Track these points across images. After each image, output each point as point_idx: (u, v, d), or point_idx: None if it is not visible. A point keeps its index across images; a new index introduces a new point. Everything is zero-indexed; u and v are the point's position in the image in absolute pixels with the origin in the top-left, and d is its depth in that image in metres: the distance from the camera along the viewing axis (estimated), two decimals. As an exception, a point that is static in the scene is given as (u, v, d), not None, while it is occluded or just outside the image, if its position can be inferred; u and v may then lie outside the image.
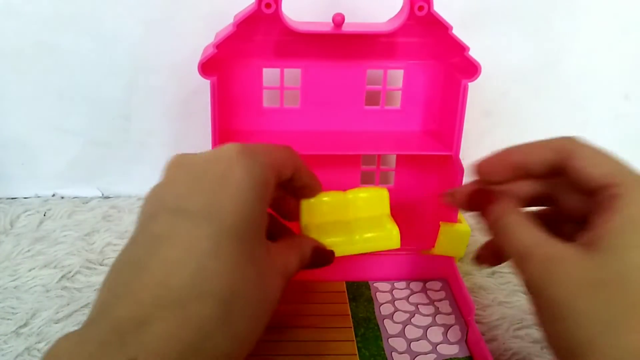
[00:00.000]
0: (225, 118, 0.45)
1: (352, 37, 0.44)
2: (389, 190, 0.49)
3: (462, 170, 0.44)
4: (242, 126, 0.47)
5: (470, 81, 0.42)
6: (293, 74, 0.46)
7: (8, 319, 0.40)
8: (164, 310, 0.24)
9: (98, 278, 0.45)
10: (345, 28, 0.41)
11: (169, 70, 0.51)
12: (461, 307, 0.41)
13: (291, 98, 0.47)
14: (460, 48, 0.41)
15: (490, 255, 0.35)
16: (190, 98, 0.52)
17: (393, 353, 0.37)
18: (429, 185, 0.50)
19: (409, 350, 0.38)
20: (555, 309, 0.26)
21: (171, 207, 0.28)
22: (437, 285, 0.45)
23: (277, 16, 0.39)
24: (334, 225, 0.41)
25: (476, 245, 0.49)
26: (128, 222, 0.52)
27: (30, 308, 0.41)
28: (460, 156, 0.44)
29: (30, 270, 0.45)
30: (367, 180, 0.50)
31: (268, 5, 0.39)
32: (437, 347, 0.38)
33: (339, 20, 0.41)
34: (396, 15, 0.43)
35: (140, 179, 0.56)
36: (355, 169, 0.49)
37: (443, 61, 0.45)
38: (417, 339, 0.39)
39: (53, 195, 0.56)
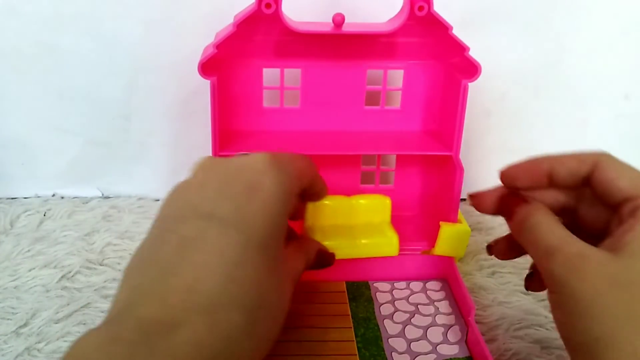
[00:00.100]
0: (225, 118, 0.45)
1: (352, 37, 0.44)
2: (389, 190, 0.49)
3: (462, 170, 0.44)
4: (242, 126, 0.47)
5: (470, 81, 0.42)
6: (293, 74, 0.46)
7: (8, 319, 0.40)
8: (193, 315, 0.24)
9: (98, 278, 0.45)
10: (346, 28, 0.41)
11: (169, 70, 0.51)
12: (461, 307, 0.41)
13: (291, 98, 0.47)
14: (460, 48, 0.41)
15: (505, 249, 0.36)
16: (190, 98, 0.52)
17: (393, 353, 0.37)
18: (429, 185, 0.50)
19: (409, 351, 0.38)
20: (578, 303, 0.27)
21: (201, 211, 0.28)
22: (437, 285, 0.44)
23: (277, 16, 0.39)
24: (336, 229, 0.44)
25: (476, 245, 0.49)
26: (128, 222, 0.52)
27: (30, 308, 0.41)
28: (460, 156, 0.44)
29: (30, 270, 0.45)
30: (367, 180, 0.50)
31: (268, 6, 0.39)
32: (437, 347, 0.38)
33: (339, 20, 0.41)
34: (396, 16, 0.43)
35: (140, 179, 0.56)
36: (355, 169, 0.49)
37: (443, 61, 0.45)
38: (417, 339, 0.39)
39: (53, 195, 0.56)
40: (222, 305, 0.25)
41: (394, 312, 0.41)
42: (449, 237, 0.44)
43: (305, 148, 0.44)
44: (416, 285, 0.44)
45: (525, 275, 0.37)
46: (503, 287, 0.45)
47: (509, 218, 0.34)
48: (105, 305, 0.42)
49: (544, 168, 0.33)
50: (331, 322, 0.40)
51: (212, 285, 0.25)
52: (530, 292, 0.38)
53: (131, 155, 0.55)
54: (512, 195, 0.34)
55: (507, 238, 0.37)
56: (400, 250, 0.45)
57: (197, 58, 0.40)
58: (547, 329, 0.40)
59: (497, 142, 0.57)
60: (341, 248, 0.41)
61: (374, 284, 0.44)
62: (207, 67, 0.40)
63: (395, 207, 0.46)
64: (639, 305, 0.27)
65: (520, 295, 0.44)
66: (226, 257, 0.26)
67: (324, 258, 0.38)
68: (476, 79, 0.41)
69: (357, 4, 0.46)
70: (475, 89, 0.42)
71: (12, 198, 0.56)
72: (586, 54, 0.54)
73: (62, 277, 0.45)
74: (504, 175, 0.35)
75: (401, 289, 0.44)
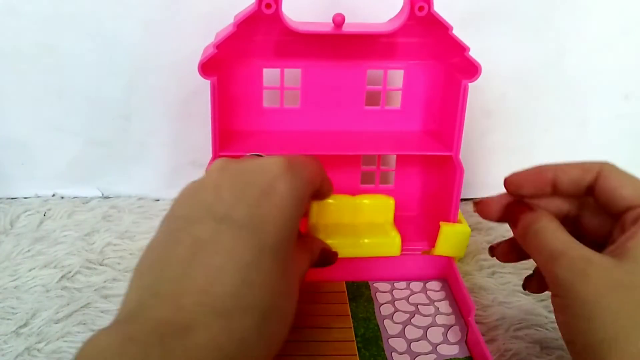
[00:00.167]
0: (225, 118, 0.45)
1: (352, 38, 0.44)
2: (389, 190, 0.49)
3: (462, 170, 0.44)
4: (242, 126, 0.47)
5: (470, 81, 0.42)
6: (293, 74, 0.46)
7: (8, 319, 0.40)
8: (207, 318, 0.24)
9: (98, 278, 0.45)
10: (346, 28, 0.41)
11: (169, 70, 0.51)
12: (461, 308, 0.41)
13: (291, 98, 0.47)
14: (460, 48, 0.41)
15: (507, 251, 0.37)
16: (190, 98, 0.52)
17: (393, 353, 0.37)
18: (429, 185, 0.50)
19: (409, 351, 0.38)
20: (582, 306, 0.28)
21: (216, 213, 0.28)
22: (437, 285, 0.45)
23: (277, 16, 0.39)
24: (340, 228, 0.44)
25: (476, 245, 0.49)
26: (128, 222, 0.52)
27: (30, 308, 0.41)
28: (460, 156, 0.44)
29: (30, 270, 0.45)
30: (367, 180, 0.50)
31: (268, 6, 0.39)
32: (437, 348, 0.38)
33: (339, 20, 0.40)
34: (396, 16, 0.43)
35: (140, 179, 0.56)
36: (355, 169, 0.49)
37: (443, 61, 0.45)
38: (417, 340, 0.39)
39: (53, 195, 0.56)
40: (237, 308, 0.25)
41: (394, 312, 0.41)
42: (449, 237, 0.44)
43: (305, 148, 0.44)
44: (416, 286, 0.44)
45: (525, 276, 0.37)
46: (503, 287, 0.45)
47: (513, 225, 0.34)
48: (105, 305, 0.42)
49: (548, 176, 0.34)
50: (331, 322, 0.40)
51: (227, 288, 0.25)
52: (528, 292, 0.38)
53: (131, 155, 0.55)
54: (517, 202, 0.35)
55: (510, 241, 0.37)
56: (401, 250, 0.45)
57: (197, 58, 0.40)
58: (547, 329, 0.40)
59: (497, 142, 0.57)
60: (344, 247, 0.42)
61: (374, 284, 0.44)
62: (207, 67, 0.40)
63: (395, 207, 0.46)
64: None
65: (520, 295, 0.44)
66: (240, 260, 0.26)
67: (327, 257, 0.38)
68: (476, 79, 0.41)
69: (357, 4, 0.46)
70: (475, 89, 0.42)
71: (12, 198, 0.56)
72: (586, 54, 0.54)
73: (62, 277, 0.45)
74: (508, 182, 0.35)
75: (401, 289, 0.44)
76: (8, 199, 0.56)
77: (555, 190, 0.34)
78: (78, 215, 0.53)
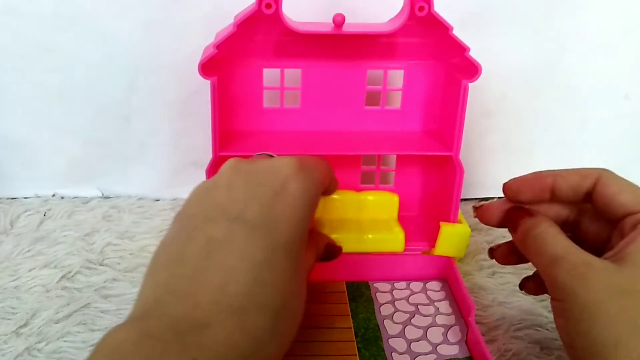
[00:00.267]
0: (225, 118, 0.45)
1: (352, 38, 0.44)
2: (389, 190, 0.49)
3: (462, 170, 0.44)
4: (242, 126, 0.47)
5: (470, 81, 0.42)
6: (293, 74, 0.46)
7: (8, 319, 0.40)
8: (223, 315, 0.25)
9: (98, 278, 0.45)
10: (346, 28, 0.41)
11: (169, 70, 0.51)
12: (461, 308, 0.41)
13: (291, 98, 0.47)
14: (460, 48, 0.41)
15: (507, 254, 0.37)
16: (190, 98, 0.52)
17: (393, 353, 0.37)
18: (429, 185, 0.50)
19: (409, 351, 0.38)
20: (583, 310, 0.28)
21: (229, 213, 0.28)
22: (437, 285, 0.45)
23: (277, 16, 0.39)
24: (344, 223, 0.45)
25: (476, 246, 0.49)
26: (128, 222, 0.52)
27: (30, 308, 0.41)
28: (460, 156, 0.44)
29: (30, 270, 0.45)
30: (367, 180, 0.50)
31: (268, 6, 0.39)
32: (437, 348, 0.38)
33: (339, 20, 0.40)
34: (396, 16, 0.43)
35: (140, 179, 0.56)
36: (355, 169, 0.49)
37: (443, 61, 0.45)
38: (417, 340, 0.39)
39: (53, 195, 0.56)
40: (251, 306, 0.26)
41: (394, 312, 0.41)
42: (449, 237, 0.44)
43: (305, 148, 0.44)
44: (416, 286, 0.44)
45: (525, 276, 0.37)
46: (503, 288, 0.45)
47: (513, 230, 0.35)
48: (105, 305, 0.42)
49: (547, 182, 0.34)
50: (331, 322, 0.40)
51: (241, 287, 0.26)
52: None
53: (131, 155, 0.55)
54: (516, 207, 0.35)
55: (509, 244, 0.37)
56: (404, 246, 0.45)
57: (197, 58, 0.40)
58: (547, 330, 0.40)
59: (497, 142, 0.57)
60: (348, 242, 0.42)
61: (374, 284, 0.44)
62: (207, 67, 0.40)
63: (395, 207, 0.47)
64: None
65: (520, 295, 0.44)
66: (254, 259, 0.27)
67: (332, 251, 0.39)
68: (476, 79, 0.41)
69: (357, 4, 0.46)
70: (475, 89, 0.42)
71: (12, 198, 0.56)
72: (586, 54, 0.54)
73: (62, 277, 0.45)
74: (508, 188, 0.35)
75: (401, 289, 0.44)
76: (8, 199, 0.56)
77: (554, 196, 0.34)
78: (78, 215, 0.53)
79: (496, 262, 0.39)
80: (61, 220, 0.52)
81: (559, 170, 0.34)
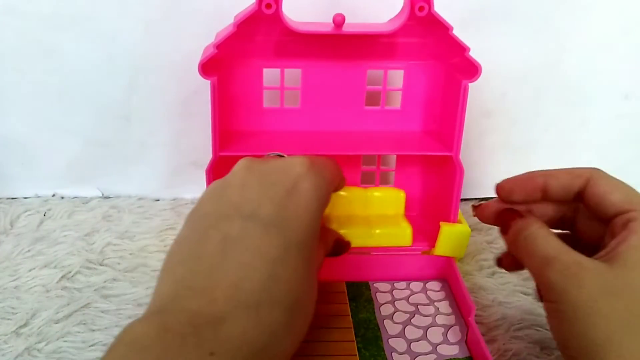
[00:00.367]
0: (225, 118, 0.45)
1: (352, 38, 0.44)
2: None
3: (462, 170, 0.44)
4: (242, 126, 0.47)
5: (470, 82, 0.42)
6: (293, 74, 0.46)
7: (8, 319, 0.40)
8: (239, 311, 0.25)
9: (98, 278, 0.45)
10: (346, 28, 0.41)
11: (169, 70, 0.51)
12: (461, 308, 0.41)
13: (291, 98, 0.47)
14: (460, 48, 0.41)
15: (512, 261, 0.37)
16: (190, 98, 0.52)
17: (393, 353, 0.37)
18: (429, 185, 0.50)
19: (409, 351, 0.38)
20: (575, 310, 0.29)
21: (244, 211, 0.29)
22: (437, 285, 0.45)
23: (277, 16, 0.39)
24: (352, 219, 0.46)
25: (476, 246, 0.50)
26: (128, 222, 0.52)
27: (30, 308, 0.41)
28: (460, 156, 0.44)
29: (30, 270, 0.45)
30: (367, 180, 0.50)
31: (268, 6, 0.39)
32: (437, 348, 0.38)
33: (339, 20, 0.40)
34: (396, 16, 0.43)
35: (140, 179, 0.56)
36: (355, 169, 0.49)
37: (443, 61, 0.45)
38: (417, 340, 0.39)
39: (53, 195, 0.56)
40: (266, 302, 0.26)
41: (394, 313, 0.41)
42: (449, 237, 0.44)
43: (305, 148, 0.44)
44: (416, 286, 0.44)
45: (525, 276, 0.37)
46: (503, 288, 0.45)
47: (504, 231, 0.35)
48: (105, 305, 0.42)
49: (539, 182, 0.34)
50: (331, 322, 0.40)
51: (256, 283, 0.26)
52: (528, 291, 0.38)
53: (131, 155, 0.55)
54: (507, 209, 0.35)
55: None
56: (401, 250, 0.45)
57: (197, 58, 0.40)
58: (547, 330, 0.40)
59: (497, 142, 0.57)
60: (356, 237, 0.42)
61: (374, 284, 0.44)
62: (207, 67, 0.40)
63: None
64: (634, 311, 0.28)
65: (520, 295, 0.44)
66: (269, 256, 0.27)
67: (341, 246, 0.39)
68: (476, 79, 0.41)
69: (357, 4, 0.46)
70: (475, 89, 0.42)
71: (12, 198, 0.56)
72: (586, 54, 0.54)
73: (62, 277, 0.45)
74: (500, 188, 0.36)
75: (401, 289, 0.44)
76: (8, 199, 0.56)
77: (546, 196, 0.34)
78: (78, 215, 0.53)
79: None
80: (61, 220, 0.52)
81: (551, 170, 0.35)
